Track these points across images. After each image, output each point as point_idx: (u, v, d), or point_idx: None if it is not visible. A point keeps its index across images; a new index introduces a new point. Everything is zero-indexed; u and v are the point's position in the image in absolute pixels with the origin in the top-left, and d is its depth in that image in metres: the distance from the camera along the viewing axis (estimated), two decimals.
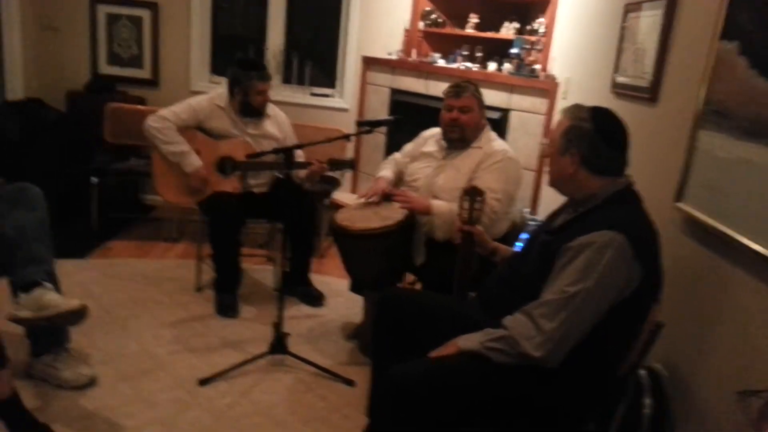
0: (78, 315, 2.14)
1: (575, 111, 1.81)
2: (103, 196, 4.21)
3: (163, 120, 3.22)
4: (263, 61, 4.73)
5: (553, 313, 1.62)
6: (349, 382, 2.68)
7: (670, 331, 1.83)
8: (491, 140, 2.81)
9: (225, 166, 3.29)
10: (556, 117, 2.46)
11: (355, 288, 3.02)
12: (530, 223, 3.03)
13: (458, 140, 2.78)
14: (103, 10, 4.74)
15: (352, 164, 3.16)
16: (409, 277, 3.05)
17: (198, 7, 4.76)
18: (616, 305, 1.63)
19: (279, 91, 4.88)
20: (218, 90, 3.44)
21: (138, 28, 4.77)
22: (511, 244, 2.49)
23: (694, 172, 1.97)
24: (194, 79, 4.87)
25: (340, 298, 3.51)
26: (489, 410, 1.72)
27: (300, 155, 3.38)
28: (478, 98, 2.78)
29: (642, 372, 1.93)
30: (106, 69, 4.82)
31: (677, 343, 1.98)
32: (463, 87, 2.76)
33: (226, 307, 3.22)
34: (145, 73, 4.84)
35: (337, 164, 3.10)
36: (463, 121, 2.73)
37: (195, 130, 3.29)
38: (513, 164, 2.74)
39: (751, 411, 0.68)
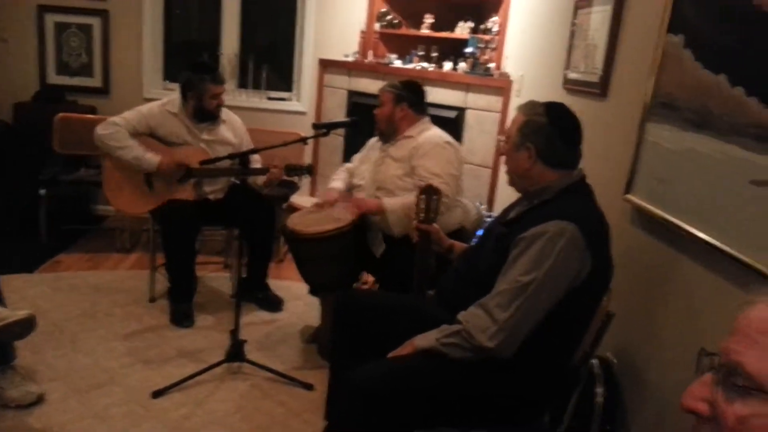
0: (26, 326, 2.05)
1: (530, 107, 1.84)
2: (52, 208, 4.08)
3: (113, 125, 3.12)
4: (218, 65, 4.66)
5: (507, 303, 1.62)
6: (308, 386, 2.63)
7: (621, 320, 1.85)
8: (424, 130, 2.86)
9: (180, 173, 3.20)
10: (511, 114, 2.47)
11: (314, 291, 2.98)
12: (486, 219, 3.04)
13: (380, 133, 2.92)
14: (51, 19, 4.61)
15: (309, 169, 3.10)
16: (367, 277, 3.03)
17: (150, 14, 4.67)
18: (568, 294, 1.64)
19: (235, 96, 4.82)
20: (171, 96, 3.35)
21: (88, 37, 4.66)
22: (467, 241, 2.48)
23: (643, 164, 1.99)
24: (147, 86, 4.76)
25: (299, 301, 3.47)
26: (447, 407, 1.70)
27: (257, 160, 3.32)
28: (395, 93, 2.86)
29: (594, 361, 1.94)
30: (55, 79, 4.69)
31: (628, 331, 2.00)
32: (386, 84, 2.92)
33: (181, 317, 3.14)
34: (95, 82, 4.72)
35: (295, 170, 3.03)
36: (376, 114, 2.87)
37: (147, 137, 3.20)
38: (447, 148, 2.79)
39: (701, 366, 0.71)
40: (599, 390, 1.93)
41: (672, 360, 1.77)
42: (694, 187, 1.68)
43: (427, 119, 2.92)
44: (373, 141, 3.07)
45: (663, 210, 1.82)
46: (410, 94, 2.88)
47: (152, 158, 3.12)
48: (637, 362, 1.95)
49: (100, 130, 3.13)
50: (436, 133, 2.86)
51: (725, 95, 1.55)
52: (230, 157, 2.69)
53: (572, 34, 2.77)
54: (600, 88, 2.41)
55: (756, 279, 1.38)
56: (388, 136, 2.89)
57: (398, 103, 2.85)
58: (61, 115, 4.09)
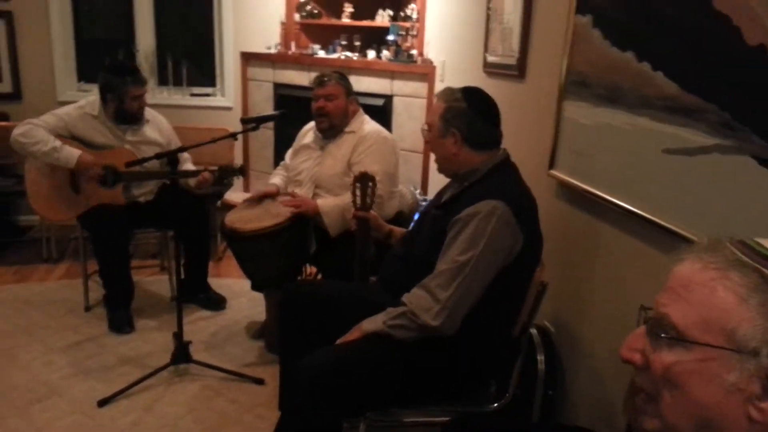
0: None
1: (448, 93, 1.90)
2: None
3: (28, 123, 2.98)
4: (135, 64, 4.51)
5: (447, 282, 1.70)
6: (259, 381, 2.65)
7: (554, 289, 1.97)
8: (363, 123, 2.88)
9: (106, 177, 3.10)
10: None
11: (257, 287, 2.98)
12: (422, 203, 3.12)
13: (327, 129, 2.84)
14: None
15: (242, 170, 3.03)
16: (310, 269, 3.05)
17: (57, 12, 4.46)
18: (504, 269, 1.73)
19: (155, 94, 4.69)
20: (89, 98, 3.22)
21: None
22: (405, 225, 2.55)
23: (563, 141, 2.10)
24: (61, 88, 4.57)
25: (242, 298, 3.45)
26: (398, 387, 1.77)
27: (187, 158, 3.27)
28: (344, 85, 2.84)
29: (533, 330, 2.06)
30: None
31: (561, 300, 2.12)
32: (327, 76, 2.84)
33: (120, 323, 3.07)
34: (5, 87, 4.48)
35: (227, 172, 2.97)
36: (329, 110, 2.80)
37: (71, 140, 3.08)
38: (388, 144, 2.83)
39: (640, 321, 0.78)
40: (540, 357, 2.05)
41: (603, 322, 1.90)
42: (611, 159, 1.80)
43: (362, 111, 2.93)
44: (307, 128, 3.02)
45: (584, 182, 1.94)
46: (351, 86, 2.88)
47: (71, 152, 2.98)
48: (571, 328, 2.08)
49: (15, 130, 2.98)
50: (375, 127, 2.86)
51: (633, 71, 1.66)
52: (158, 156, 2.63)
53: (488, 18, 2.85)
54: (518, 70, 2.51)
55: (671, 240, 1.50)
56: (336, 131, 2.85)
57: (349, 95, 2.83)
58: None
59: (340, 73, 2.91)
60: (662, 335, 0.73)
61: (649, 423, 0.76)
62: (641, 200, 1.64)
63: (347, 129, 2.84)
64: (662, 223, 1.53)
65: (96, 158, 3.05)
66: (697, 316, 0.71)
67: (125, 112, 3.14)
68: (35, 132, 2.97)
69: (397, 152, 2.88)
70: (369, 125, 2.88)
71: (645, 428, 0.77)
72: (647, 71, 1.60)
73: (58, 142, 2.99)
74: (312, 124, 2.96)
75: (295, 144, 3.05)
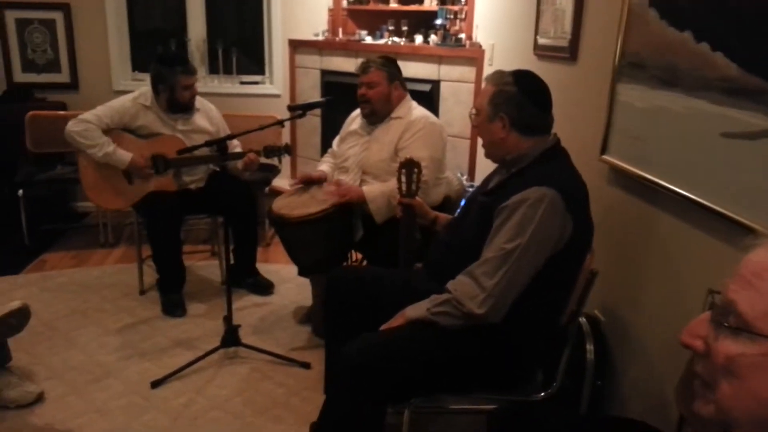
0: (21, 316, 2.06)
1: (498, 77, 1.85)
2: (31, 208, 4.03)
3: (84, 123, 3.09)
4: (186, 53, 4.61)
5: (494, 270, 1.67)
6: (306, 365, 2.68)
7: (605, 277, 1.91)
8: (412, 109, 2.86)
9: (157, 164, 3.18)
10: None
11: (303, 272, 3.01)
12: (468, 189, 3.08)
13: (370, 115, 2.84)
14: (11, 16, 4.51)
15: (287, 149, 3.10)
16: (356, 255, 3.06)
17: (112, 4, 4.60)
18: (552, 257, 1.69)
19: (206, 82, 4.78)
20: (142, 89, 3.30)
21: (51, 32, 4.57)
22: (452, 212, 2.52)
23: (616, 125, 2.04)
24: (116, 78, 4.71)
25: (290, 284, 3.50)
26: (442, 374, 1.75)
27: (236, 145, 3.32)
28: (387, 71, 2.81)
29: (582, 319, 2.01)
30: (22, 77, 4.60)
31: (612, 288, 2.06)
32: (369, 62, 2.83)
33: (173, 307, 3.15)
34: (63, 77, 4.65)
35: (272, 151, 3.03)
36: (370, 96, 2.79)
37: (121, 131, 3.17)
38: (435, 129, 2.79)
39: (707, 306, 0.74)
40: (589, 347, 1.99)
41: (655, 312, 1.84)
42: (667, 144, 1.73)
43: (409, 96, 2.91)
44: (354, 115, 3.02)
45: (638, 168, 1.87)
46: (397, 71, 2.86)
47: (123, 155, 3.10)
48: (622, 317, 2.02)
49: (71, 126, 3.09)
50: (423, 113, 2.84)
51: (691, 52, 1.59)
52: (207, 144, 2.68)
53: (540, 0, 2.78)
54: (570, 52, 2.44)
55: (728, 227, 1.44)
56: (380, 117, 2.84)
57: (392, 81, 2.82)
58: (31, 113, 4.02)
59: (387, 58, 2.88)
60: (725, 324, 0.70)
61: (705, 408, 0.73)
62: (698, 186, 1.57)
63: (394, 115, 2.82)
64: (720, 209, 1.47)
65: (147, 147, 3.14)
66: (766, 307, 0.67)
67: (177, 102, 3.20)
68: (91, 135, 3.08)
69: (444, 138, 2.85)
70: (417, 111, 2.85)
71: (699, 413, 0.73)
72: (706, 52, 1.53)
73: (111, 146, 3.10)
74: (359, 110, 2.95)
75: (343, 131, 3.05)
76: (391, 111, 2.83)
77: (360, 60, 4.18)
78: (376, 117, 2.84)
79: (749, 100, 1.37)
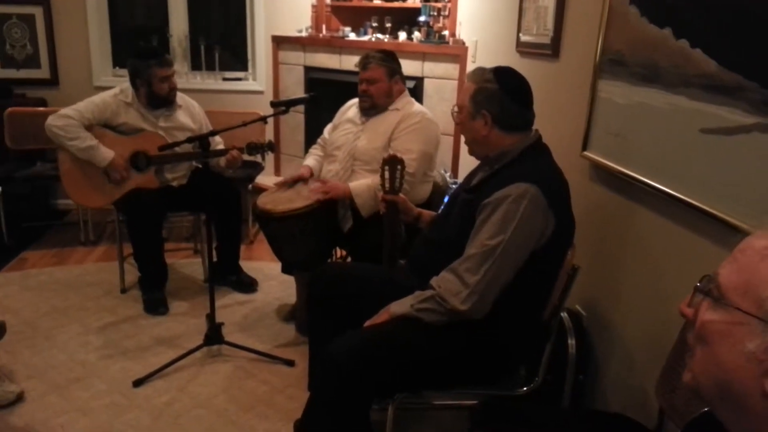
0: None
1: (479, 74, 1.86)
2: (11, 205, 3.98)
3: (66, 118, 3.05)
4: (167, 49, 4.56)
5: (477, 267, 1.68)
6: (290, 363, 2.67)
7: (586, 273, 1.93)
8: (410, 103, 2.87)
9: (138, 161, 3.16)
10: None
11: (287, 269, 3.00)
12: (452, 186, 3.08)
13: (369, 108, 2.84)
14: None
15: (270, 146, 3.10)
16: (340, 252, 3.06)
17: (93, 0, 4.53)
18: (535, 253, 1.70)
19: (189, 78, 4.74)
20: (123, 86, 3.26)
21: (31, 27, 4.51)
22: (435, 209, 2.53)
23: (597, 121, 2.05)
24: (97, 74, 4.65)
25: (273, 281, 3.49)
26: (426, 369, 1.76)
27: (218, 142, 3.30)
28: (387, 66, 2.81)
29: (564, 314, 2.02)
30: (0, 72, 4.52)
31: (593, 283, 2.08)
32: (369, 58, 2.82)
33: (155, 305, 3.13)
34: (43, 73, 4.59)
35: (256, 148, 3.03)
36: (372, 92, 2.80)
37: (102, 128, 3.14)
38: (431, 125, 2.80)
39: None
40: (571, 342, 2.01)
41: (635, 307, 1.86)
42: (648, 140, 1.75)
43: (407, 91, 2.92)
44: (350, 104, 3.02)
45: (619, 164, 1.89)
46: (397, 66, 2.87)
47: (105, 153, 3.07)
48: (603, 312, 2.04)
49: (51, 121, 3.05)
50: (421, 109, 2.86)
51: (671, 48, 1.61)
52: (189, 141, 2.66)
53: None
54: (552, 49, 2.45)
55: (707, 222, 1.45)
56: (379, 110, 2.84)
57: (392, 76, 2.82)
58: (10, 109, 3.96)
59: (386, 53, 2.87)
60: (706, 293, 0.74)
61: (686, 376, 0.77)
62: (677, 182, 1.59)
63: (392, 107, 2.83)
64: (698, 204, 1.49)
65: (128, 143, 3.11)
66: (739, 280, 0.71)
67: (156, 95, 3.17)
68: (73, 129, 3.04)
69: (438, 137, 2.87)
70: (416, 106, 2.87)
71: (684, 381, 0.78)
72: (686, 49, 1.55)
73: (94, 141, 3.06)
74: (356, 99, 2.95)
75: (337, 118, 3.03)
76: (389, 104, 2.84)
77: (344, 57, 4.19)
78: (375, 110, 2.85)
79: (727, 96, 1.39)
